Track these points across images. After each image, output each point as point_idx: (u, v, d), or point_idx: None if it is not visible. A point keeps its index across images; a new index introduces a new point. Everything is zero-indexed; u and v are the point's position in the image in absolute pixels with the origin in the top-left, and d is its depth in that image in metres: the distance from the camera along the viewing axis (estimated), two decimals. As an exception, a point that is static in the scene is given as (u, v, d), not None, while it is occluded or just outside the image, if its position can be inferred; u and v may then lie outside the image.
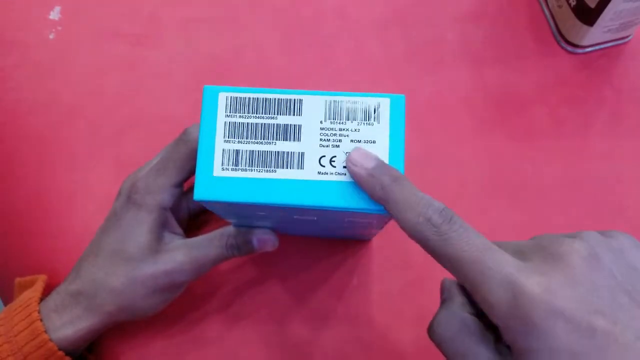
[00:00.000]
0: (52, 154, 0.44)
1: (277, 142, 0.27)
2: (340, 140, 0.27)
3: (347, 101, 0.27)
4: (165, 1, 0.47)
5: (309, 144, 0.27)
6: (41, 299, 0.35)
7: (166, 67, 0.45)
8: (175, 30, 0.46)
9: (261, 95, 0.27)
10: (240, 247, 0.35)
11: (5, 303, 0.45)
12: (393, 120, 0.27)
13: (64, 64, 0.46)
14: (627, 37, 0.45)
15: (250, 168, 0.27)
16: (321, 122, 0.27)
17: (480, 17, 0.46)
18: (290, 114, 0.27)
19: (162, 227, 0.35)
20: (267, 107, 0.27)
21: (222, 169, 0.27)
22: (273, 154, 0.27)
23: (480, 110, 0.44)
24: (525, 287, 0.22)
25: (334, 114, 0.27)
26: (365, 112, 0.27)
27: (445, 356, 0.26)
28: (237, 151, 0.27)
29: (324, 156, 0.27)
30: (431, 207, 0.25)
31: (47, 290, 0.37)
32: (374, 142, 0.27)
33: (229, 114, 0.27)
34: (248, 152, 0.27)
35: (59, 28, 0.46)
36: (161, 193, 0.34)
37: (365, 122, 0.27)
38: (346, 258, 0.41)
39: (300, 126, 0.27)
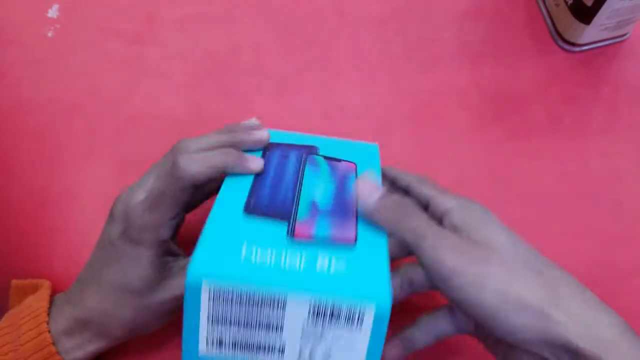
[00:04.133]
0: (51, 152, 0.44)
1: (260, 331, 0.27)
2: (320, 337, 0.27)
3: (331, 305, 0.27)
4: (164, -1, 0.47)
5: (290, 337, 0.27)
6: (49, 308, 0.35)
7: (164, 65, 0.46)
8: (173, 28, 0.46)
9: (245, 291, 0.26)
10: None
11: (1, 302, 0.45)
12: (375, 330, 0.27)
13: (63, 62, 0.46)
14: (624, 35, 0.45)
15: (233, 352, 0.27)
16: (304, 322, 0.27)
17: (478, 15, 0.46)
18: (273, 310, 0.27)
19: (163, 255, 0.34)
20: (250, 302, 0.27)
21: (207, 350, 0.27)
22: (255, 344, 0.27)
23: (477, 107, 0.44)
24: None
25: (317, 315, 0.27)
26: (348, 317, 0.27)
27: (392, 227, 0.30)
28: (221, 339, 0.27)
29: (305, 349, 0.27)
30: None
31: (52, 296, 0.36)
32: (352, 346, 0.27)
33: (212, 302, 0.27)
34: (231, 340, 0.27)
35: (58, 26, 0.47)
36: (158, 229, 0.33)
37: (347, 326, 0.27)
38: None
39: (282, 324, 0.27)
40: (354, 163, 0.34)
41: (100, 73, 0.45)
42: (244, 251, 0.27)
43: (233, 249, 0.27)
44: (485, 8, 0.46)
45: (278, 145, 0.35)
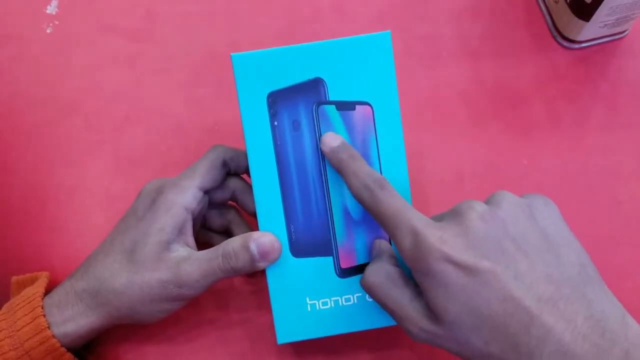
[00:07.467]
0: (50, 149, 0.44)
1: None
2: None
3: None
4: (163, -4, 0.47)
5: None
6: (45, 295, 0.35)
7: (164, 62, 0.46)
8: (173, 25, 0.46)
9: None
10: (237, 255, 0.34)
11: (1, 297, 0.45)
12: None
13: (62, 59, 0.46)
14: (624, 32, 0.45)
15: None
16: None
17: (477, 12, 0.46)
18: None
19: (178, 232, 0.34)
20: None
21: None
22: None
23: (477, 104, 0.44)
24: (425, 237, 0.28)
25: None
26: None
27: (376, 301, 0.31)
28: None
29: None
30: (370, 177, 0.31)
31: (50, 287, 0.36)
32: None
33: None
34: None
35: (56, 22, 0.46)
36: (184, 192, 0.35)
37: None
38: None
39: None
40: (369, 105, 0.35)
41: (100, 70, 0.45)
42: (308, 306, 0.34)
43: (299, 306, 0.34)
44: (484, 5, 0.46)
45: (283, 99, 0.34)
